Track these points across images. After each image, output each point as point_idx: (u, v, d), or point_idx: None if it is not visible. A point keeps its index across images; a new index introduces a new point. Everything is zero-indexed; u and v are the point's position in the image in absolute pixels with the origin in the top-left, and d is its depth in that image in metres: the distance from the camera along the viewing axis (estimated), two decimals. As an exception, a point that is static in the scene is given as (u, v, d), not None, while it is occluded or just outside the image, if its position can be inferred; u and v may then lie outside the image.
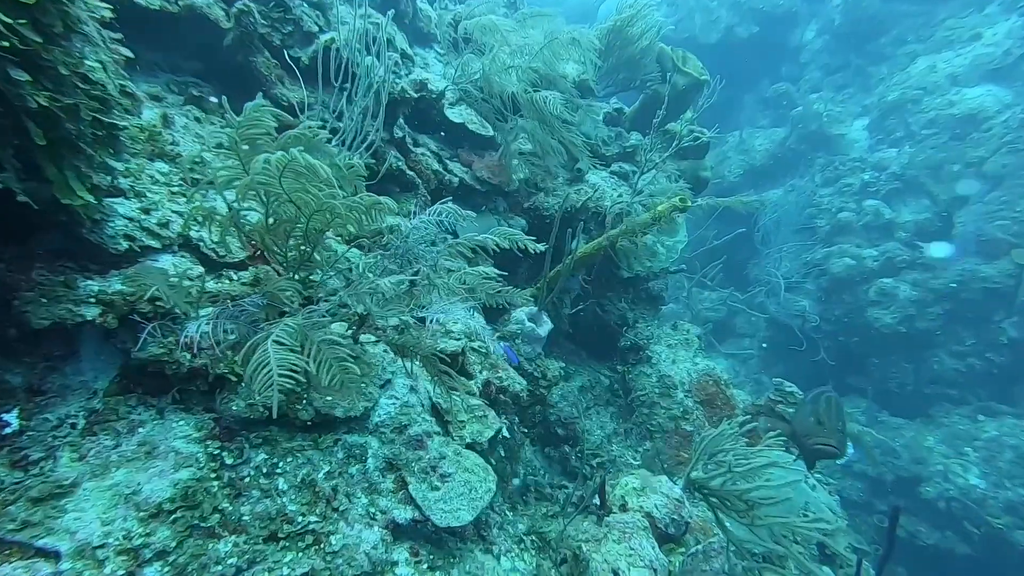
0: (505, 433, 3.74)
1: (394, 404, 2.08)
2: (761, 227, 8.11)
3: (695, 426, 4.29)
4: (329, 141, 2.19)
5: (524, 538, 3.17)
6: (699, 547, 2.33)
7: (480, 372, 2.83)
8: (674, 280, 7.39)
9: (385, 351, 2.20)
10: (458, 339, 2.75)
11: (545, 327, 3.97)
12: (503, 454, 2.99)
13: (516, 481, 3.89)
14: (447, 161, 3.97)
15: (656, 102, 4.89)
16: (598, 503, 2.76)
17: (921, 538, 5.98)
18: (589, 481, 3.45)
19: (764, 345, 8.84)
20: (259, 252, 1.96)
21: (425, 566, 1.82)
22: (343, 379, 1.36)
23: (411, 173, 3.36)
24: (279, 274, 1.75)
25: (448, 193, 3.81)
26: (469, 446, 2.27)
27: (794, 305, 8.29)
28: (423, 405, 2.21)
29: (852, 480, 6.74)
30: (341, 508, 1.71)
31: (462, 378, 2.76)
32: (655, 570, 2.29)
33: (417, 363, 2.11)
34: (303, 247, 1.62)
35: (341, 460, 1.83)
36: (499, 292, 1.89)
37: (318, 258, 1.67)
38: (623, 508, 2.66)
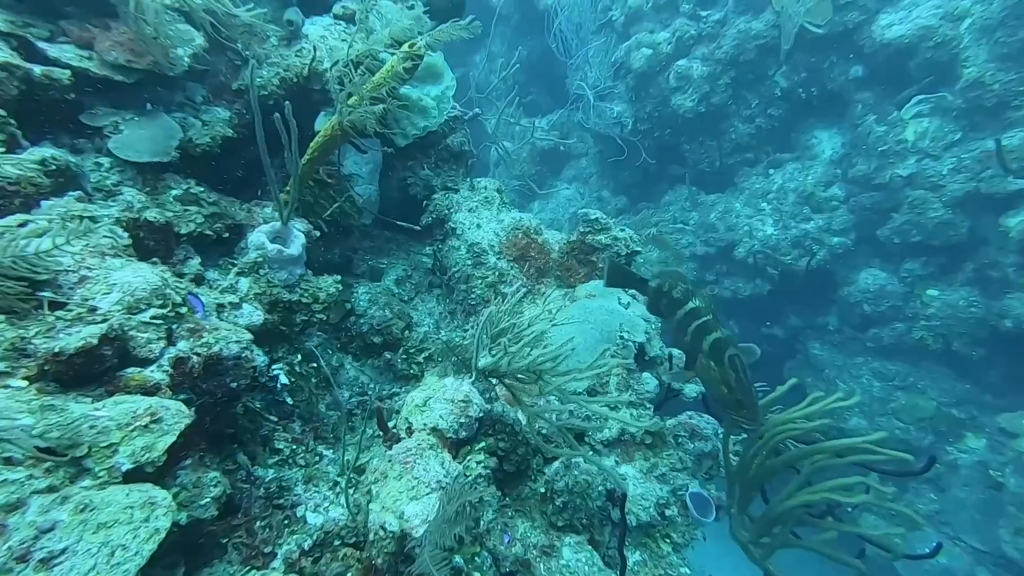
0: (284, 379, 3.13)
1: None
2: (556, 33, 7.31)
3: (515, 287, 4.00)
4: None
5: (339, 480, 2.80)
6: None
7: (165, 349, 2.04)
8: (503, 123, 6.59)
9: None
10: (101, 320, 1.88)
11: (297, 242, 3.15)
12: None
13: (332, 415, 3.44)
14: (41, 44, 2.55)
15: None
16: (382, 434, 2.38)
17: (740, 292, 6.87)
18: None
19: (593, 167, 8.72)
20: None
21: None
22: None
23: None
24: None
25: (57, 99, 2.50)
26: (132, 474, 1.60)
27: (608, 113, 8.04)
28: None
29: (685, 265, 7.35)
30: None
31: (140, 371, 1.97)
32: (444, 487, 2.01)
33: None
34: None
35: None
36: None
37: None
38: (409, 431, 2.29)
